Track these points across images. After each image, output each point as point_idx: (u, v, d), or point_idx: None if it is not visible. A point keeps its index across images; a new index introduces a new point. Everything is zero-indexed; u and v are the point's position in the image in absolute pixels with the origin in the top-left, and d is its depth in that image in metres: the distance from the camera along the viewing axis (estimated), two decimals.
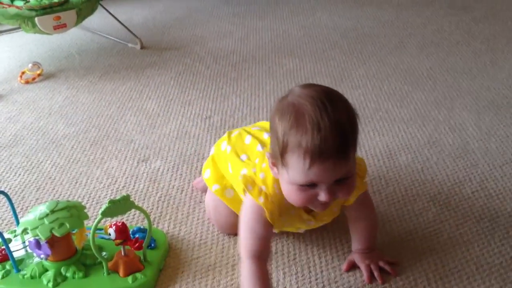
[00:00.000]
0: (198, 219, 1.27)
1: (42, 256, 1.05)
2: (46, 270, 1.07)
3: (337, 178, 0.88)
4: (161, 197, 1.35)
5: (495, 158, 1.46)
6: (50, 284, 1.04)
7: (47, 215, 1.02)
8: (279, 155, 0.90)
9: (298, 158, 0.86)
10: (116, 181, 1.42)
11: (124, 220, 1.22)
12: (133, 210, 1.26)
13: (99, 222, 0.99)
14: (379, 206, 1.28)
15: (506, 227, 1.21)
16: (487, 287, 1.05)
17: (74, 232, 1.09)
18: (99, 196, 1.36)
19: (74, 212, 1.04)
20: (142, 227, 1.18)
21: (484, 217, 1.24)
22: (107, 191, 1.38)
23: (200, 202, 1.32)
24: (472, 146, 1.51)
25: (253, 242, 1.00)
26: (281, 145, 0.88)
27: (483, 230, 1.20)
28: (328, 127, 0.84)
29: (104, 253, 1.10)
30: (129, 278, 1.05)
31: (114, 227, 1.05)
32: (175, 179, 1.42)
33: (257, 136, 1.14)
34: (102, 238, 1.14)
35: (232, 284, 1.09)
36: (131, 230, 1.14)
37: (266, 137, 1.13)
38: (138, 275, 1.06)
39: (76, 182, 1.42)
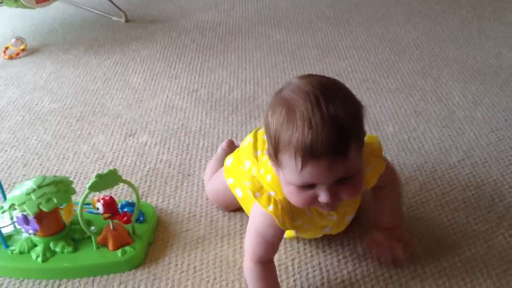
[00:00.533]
0: (186, 193, 1.27)
1: (30, 231, 1.05)
2: (35, 245, 1.07)
3: (335, 178, 0.82)
4: (149, 171, 1.35)
5: (481, 126, 1.47)
6: (39, 259, 1.04)
7: (34, 190, 1.02)
8: (273, 155, 0.85)
9: (290, 158, 0.81)
10: (103, 156, 1.41)
11: (112, 195, 1.21)
12: (121, 184, 1.26)
13: (86, 196, 0.99)
14: None
15: (491, 194, 1.22)
16: (472, 254, 1.07)
17: (62, 207, 1.08)
18: (87, 171, 1.36)
19: (61, 187, 1.04)
20: (130, 201, 1.18)
21: (470, 185, 1.25)
22: (94, 166, 1.37)
23: (189, 175, 1.32)
24: (459, 115, 1.52)
25: (262, 248, 0.97)
26: (273, 143, 0.83)
27: (468, 198, 1.21)
28: (320, 123, 0.78)
29: (92, 228, 1.10)
30: (119, 252, 1.06)
31: (102, 201, 1.05)
32: (163, 153, 1.41)
33: None
34: (91, 212, 1.14)
35: (222, 255, 1.09)
36: (119, 204, 1.14)
37: None
38: (127, 248, 1.06)
39: (63, 158, 1.41)
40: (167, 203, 1.24)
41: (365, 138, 0.88)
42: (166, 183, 1.30)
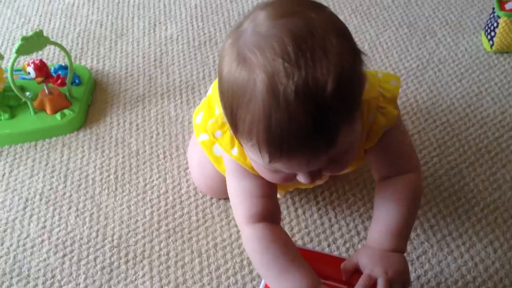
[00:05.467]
0: (121, 52, 1.24)
1: None
2: None
3: (318, 168, 0.61)
4: (79, 33, 1.30)
5: None
6: None
7: None
8: (232, 130, 0.61)
9: (253, 148, 0.58)
10: (29, 20, 1.34)
11: (43, 59, 1.18)
12: (52, 49, 1.23)
13: (14, 61, 0.96)
14: None
15: (423, 32, 1.25)
16: (404, 90, 1.11)
17: None
18: (14, 37, 1.29)
19: None
20: (63, 64, 1.14)
21: (403, 24, 1.27)
22: (21, 31, 1.31)
23: (122, 35, 1.29)
24: None
25: (252, 204, 0.69)
26: (229, 121, 0.60)
27: (401, 37, 1.24)
28: (295, 103, 0.52)
29: (27, 93, 1.08)
30: (58, 115, 1.05)
31: (32, 65, 1.02)
32: (93, 13, 1.35)
33: None
34: (23, 78, 1.10)
35: (163, 111, 1.10)
36: (52, 68, 1.11)
37: None
38: (66, 111, 1.06)
39: None
40: (103, 64, 1.21)
41: (368, 85, 0.64)
42: (99, 44, 1.27)
